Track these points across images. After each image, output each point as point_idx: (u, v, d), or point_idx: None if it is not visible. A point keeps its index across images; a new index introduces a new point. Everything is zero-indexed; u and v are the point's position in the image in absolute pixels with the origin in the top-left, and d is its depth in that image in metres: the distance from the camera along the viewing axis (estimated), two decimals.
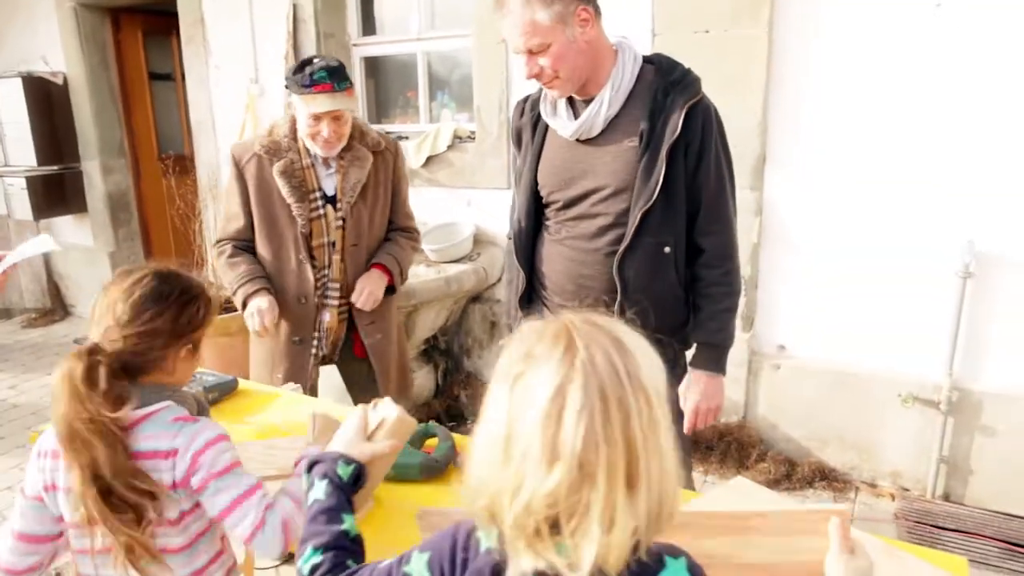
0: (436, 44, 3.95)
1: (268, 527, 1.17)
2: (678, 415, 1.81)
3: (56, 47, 5.15)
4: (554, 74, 1.63)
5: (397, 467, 1.45)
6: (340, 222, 2.25)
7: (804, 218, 2.99)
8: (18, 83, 5.03)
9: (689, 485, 1.84)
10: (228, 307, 4.25)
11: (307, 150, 2.21)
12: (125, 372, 1.18)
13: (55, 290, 5.76)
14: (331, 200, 2.24)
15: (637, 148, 1.65)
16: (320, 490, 1.04)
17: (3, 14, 5.35)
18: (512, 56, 3.46)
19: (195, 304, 1.25)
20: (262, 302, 2.19)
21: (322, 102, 2.06)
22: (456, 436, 1.63)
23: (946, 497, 2.90)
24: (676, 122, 1.61)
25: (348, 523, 1.00)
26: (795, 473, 3.04)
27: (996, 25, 2.55)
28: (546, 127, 1.79)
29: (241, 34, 4.31)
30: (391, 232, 2.43)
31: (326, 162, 2.23)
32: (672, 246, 1.68)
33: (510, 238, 1.94)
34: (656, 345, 1.77)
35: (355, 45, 4.23)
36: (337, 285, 2.30)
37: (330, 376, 2.58)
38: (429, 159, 3.80)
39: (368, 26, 4.24)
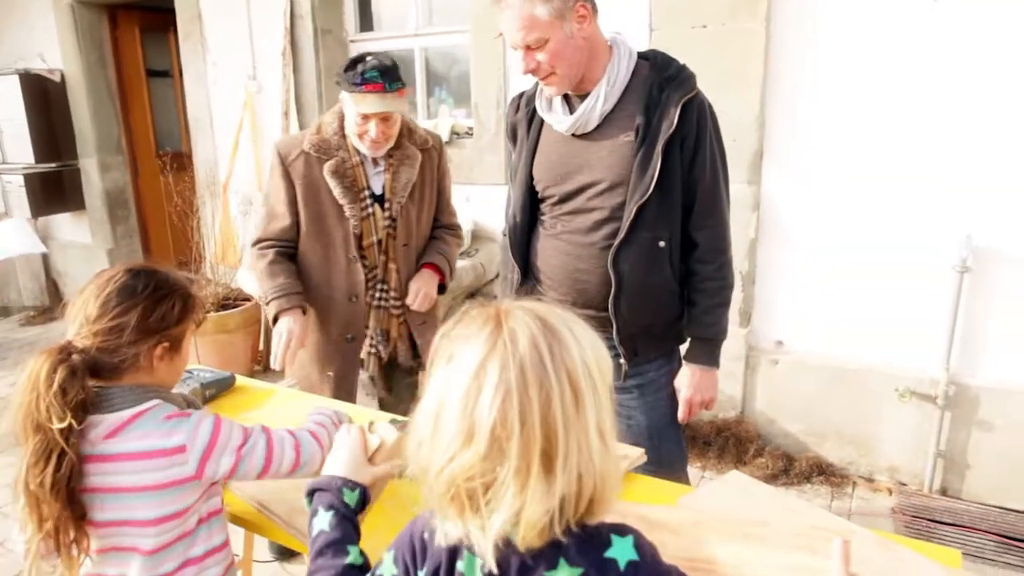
0: (434, 40, 3.95)
1: (304, 443, 1.29)
2: (675, 408, 1.82)
3: (53, 44, 5.14)
4: (551, 70, 1.63)
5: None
6: (389, 222, 2.19)
7: (802, 213, 2.99)
8: (15, 80, 5.02)
9: (684, 480, 1.85)
10: (225, 304, 4.27)
11: (356, 148, 2.14)
12: (97, 372, 1.18)
13: (53, 288, 5.76)
14: (378, 199, 2.18)
15: (633, 143, 1.65)
16: (325, 521, 1.05)
17: (0, 11, 5.34)
18: (510, 52, 3.46)
19: (169, 301, 1.24)
20: (293, 325, 2.08)
21: (372, 103, 1.99)
22: None
23: (943, 492, 2.91)
24: (672, 117, 1.61)
25: (353, 555, 1.02)
26: (793, 468, 3.04)
27: (993, 21, 2.55)
28: (541, 122, 1.80)
29: (238, 30, 4.30)
30: (436, 230, 2.38)
31: (374, 160, 2.17)
32: (667, 240, 1.69)
33: (505, 234, 1.94)
34: (652, 339, 1.77)
35: (352, 41, 4.23)
36: (390, 286, 2.25)
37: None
38: None
39: (365, 22, 4.24)
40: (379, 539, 1.06)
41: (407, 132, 2.20)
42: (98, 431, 1.17)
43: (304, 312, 2.17)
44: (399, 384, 2.46)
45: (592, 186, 1.70)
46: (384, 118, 2.04)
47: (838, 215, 2.92)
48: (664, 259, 1.70)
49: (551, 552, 0.79)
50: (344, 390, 2.24)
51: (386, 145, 2.11)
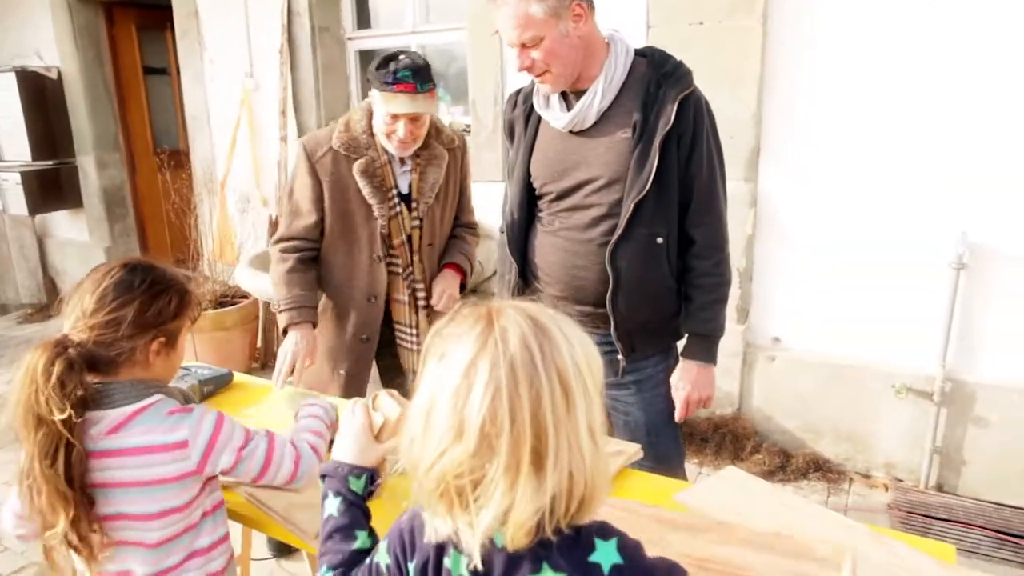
0: (431, 37, 3.95)
1: (304, 456, 1.30)
2: (672, 405, 1.82)
3: (50, 42, 5.13)
4: (546, 67, 1.64)
5: None
6: (417, 222, 2.17)
7: (799, 210, 3.00)
8: (12, 78, 5.02)
9: (681, 476, 1.85)
10: (223, 301, 4.27)
11: (383, 147, 2.11)
12: (94, 367, 1.18)
13: (51, 285, 5.75)
14: (404, 198, 2.16)
15: (630, 139, 1.66)
16: (334, 506, 1.07)
17: None
18: (507, 49, 3.45)
19: (166, 296, 1.24)
20: (300, 343, 2.05)
21: (402, 103, 1.96)
22: None
23: (939, 487, 2.92)
24: (669, 114, 1.62)
25: (361, 540, 1.03)
26: (789, 464, 3.05)
27: (990, 20, 2.55)
28: (539, 119, 1.80)
29: (235, 28, 4.30)
30: (456, 229, 2.37)
31: (401, 159, 2.14)
32: (664, 237, 1.69)
33: (503, 231, 1.94)
34: (650, 335, 1.78)
35: (349, 39, 4.22)
36: (422, 285, 2.23)
37: None
38: None
39: (363, 19, 4.24)
40: (380, 527, 1.06)
41: (434, 132, 2.18)
42: (100, 427, 1.17)
43: (315, 326, 2.13)
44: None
45: (589, 183, 1.71)
46: (413, 119, 2.01)
47: (835, 212, 2.92)
48: (662, 255, 1.71)
49: (535, 554, 0.79)
50: (354, 390, 2.23)
51: (413, 145, 2.09)
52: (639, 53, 1.73)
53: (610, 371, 1.82)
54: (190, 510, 1.24)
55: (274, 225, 4.36)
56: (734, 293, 3.05)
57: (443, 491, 0.78)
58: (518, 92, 1.89)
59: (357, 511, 1.07)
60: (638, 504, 1.31)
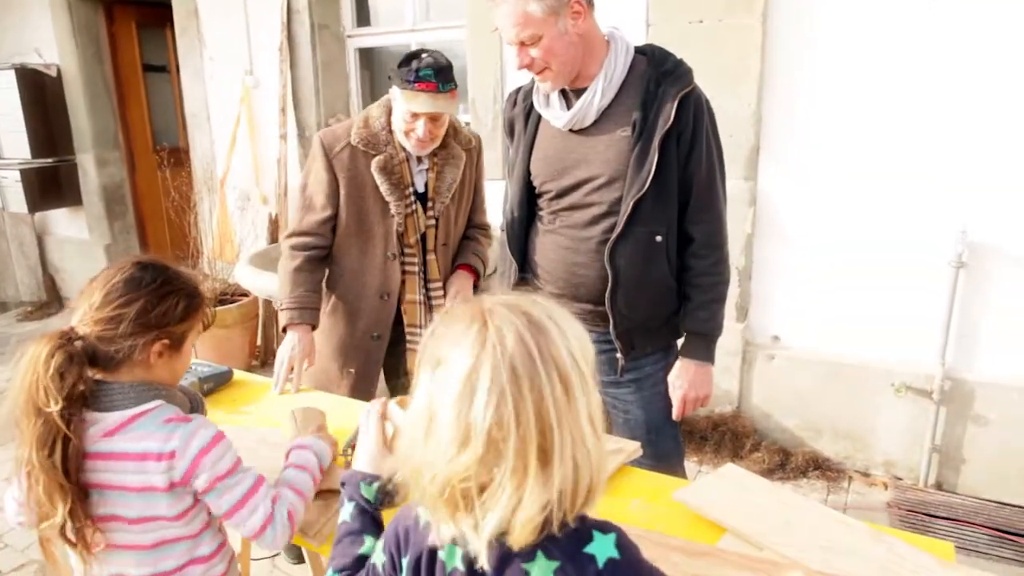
0: (431, 35, 3.94)
1: (278, 521, 1.21)
2: (670, 403, 1.82)
3: (50, 39, 5.12)
4: (545, 65, 1.63)
5: None
6: (432, 221, 2.16)
7: (798, 209, 3.00)
8: (12, 75, 5.01)
9: (681, 474, 1.85)
10: (223, 299, 4.27)
11: (401, 144, 2.09)
12: (95, 362, 1.18)
13: (51, 283, 5.75)
14: (420, 197, 2.15)
15: (630, 138, 1.65)
16: (347, 512, 1.09)
17: None
18: (506, 47, 3.45)
19: (173, 298, 1.22)
20: (297, 348, 2.02)
21: (423, 102, 1.94)
22: None
23: (938, 486, 2.92)
24: (668, 112, 1.62)
25: (367, 545, 1.04)
26: (789, 463, 3.06)
27: (990, 19, 2.55)
28: (539, 118, 1.80)
29: (235, 26, 4.30)
30: (469, 229, 2.35)
31: (418, 157, 2.13)
32: (664, 235, 1.69)
33: (503, 230, 1.94)
34: (649, 333, 1.78)
35: (349, 36, 4.22)
36: (435, 285, 2.22)
37: None
38: None
39: (362, 17, 4.24)
40: None
41: (452, 132, 2.16)
42: (97, 428, 1.17)
43: (314, 328, 2.11)
44: None
45: (589, 181, 1.71)
46: (433, 118, 2.00)
47: (835, 211, 2.92)
48: (661, 254, 1.71)
49: (531, 543, 0.79)
50: (363, 389, 2.20)
51: (431, 145, 2.07)
52: (639, 51, 1.73)
53: (609, 369, 1.82)
54: (186, 520, 1.22)
55: (274, 223, 4.36)
56: (733, 291, 3.05)
57: (448, 496, 0.78)
58: (518, 90, 1.89)
59: (368, 517, 1.08)
60: (642, 530, 1.31)
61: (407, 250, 2.15)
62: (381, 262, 2.14)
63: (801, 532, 1.29)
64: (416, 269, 2.17)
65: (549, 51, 1.61)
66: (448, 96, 1.98)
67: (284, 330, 2.08)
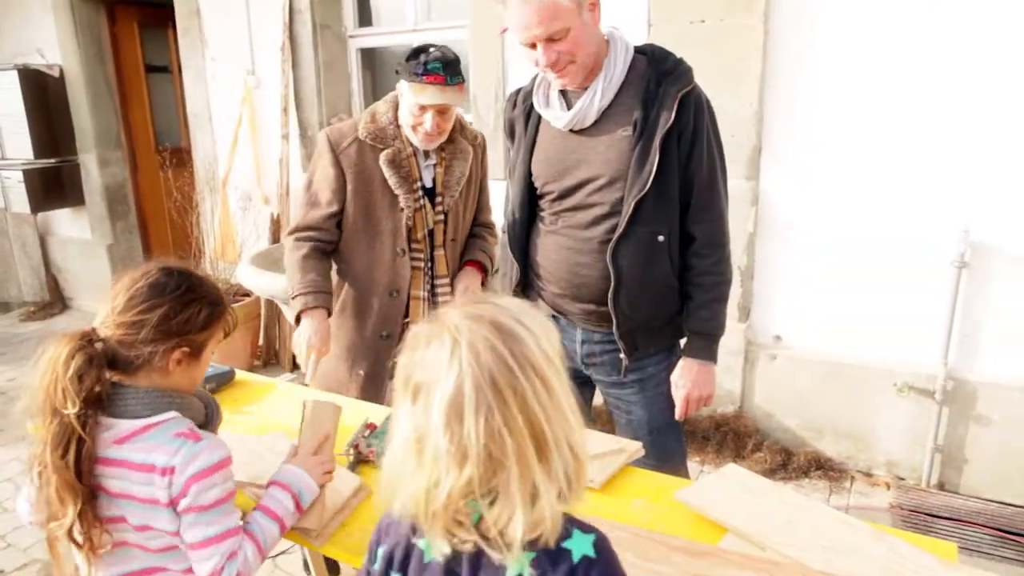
0: (432, 35, 3.94)
1: (224, 572, 1.17)
2: (672, 403, 1.82)
3: (52, 40, 5.13)
4: (570, 59, 1.61)
5: None
6: (442, 216, 2.15)
7: (800, 209, 3.00)
8: (14, 76, 5.01)
9: (684, 474, 1.85)
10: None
11: (408, 139, 2.09)
12: (114, 364, 1.18)
13: (53, 283, 5.76)
14: (428, 192, 2.13)
15: (631, 137, 1.65)
16: None
17: None
18: (508, 47, 3.46)
19: (196, 306, 1.22)
20: (316, 332, 1.99)
21: (431, 94, 1.95)
22: None
23: (941, 486, 2.91)
24: (669, 111, 1.61)
25: None
26: (791, 463, 3.05)
27: (990, 19, 2.55)
28: (539, 118, 1.79)
29: (237, 26, 4.30)
30: (475, 227, 2.34)
31: (425, 152, 2.12)
32: (666, 235, 1.69)
33: (504, 231, 1.94)
34: (652, 333, 1.77)
35: (351, 36, 4.22)
36: (444, 281, 2.20)
37: None
38: None
39: (364, 17, 4.24)
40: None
41: (459, 127, 2.17)
42: (110, 434, 1.17)
43: (329, 314, 2.07)
44: None
45: (591, 181, 1.70)
46: (441, 111, 2.00)
47: (837, 211, 2.92)
48: (663, 254, 1.71)
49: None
50: (372, 391, 2.17)
51: (439, 139, 2.07)
52: (638, 51, 1.73)
53: (612, 370, 1.82)
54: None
55: (276, 223, 4.36)
56: (735, 291, 3.05)
57: (450, 514, 0.80)
58: (518, 91, 1.88)
59: None
60: (644, 530, 1.31)
61: (414, 246, 2.13)
62: (390, 258, 2.12)
63: (803, 532, 1.28)
64: (422, 265, 2.16)
65: (576, 43, 1.59)
66: (456, 89, 1.98)
67: (298, 319, 2.03)
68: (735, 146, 2.87)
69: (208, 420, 1.31)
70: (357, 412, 1.78)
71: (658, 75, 1.66)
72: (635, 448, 1.60)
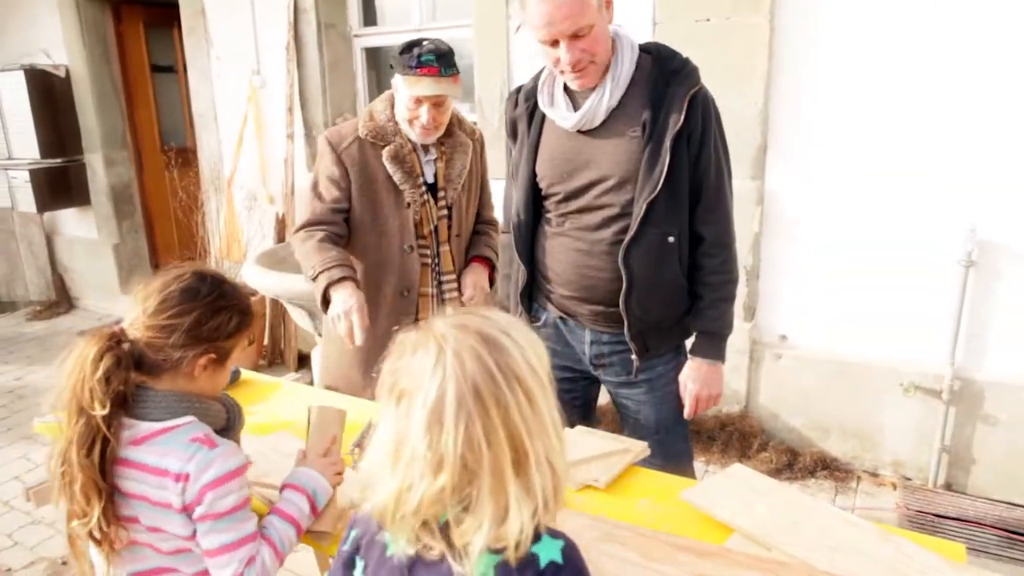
0: (437, 34, 3.92)
1: None
2: (682, 402, 1.81)
3: (58, 40, 5.15)
4: (591, 58, 1.59)
5: None
6: (446, 211, 2.13)
7: (806, 208, 2.99)
8: (21, 76, 5.03)
9: (690, 474, 1.85)
10: None
11: (407, 135, 2.07)
12: (140, 367, 1.18)
13: (60, 283, 5.78)
14: (430, 187, 2.12)
15: (639, 138, 1.63)
16: None
17: (5, 7, 5.36)
18: (513, 47, 3.45)
19: (227, 313, 1.22)
20: (351, 299, 1.89)
21: (426, 85, 1.94)
22: None
23: (948, 486, 2.90)
24: (679, 112, 1.60)
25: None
26: (797, 463, 3.04)
27: (996, 17, 2.53)
28: (542, 118, 1.77)
29: (242, 25, 4.31)
30: (479, 224, 2.32)
31: (425, 148, 2.11)
32: (676, 236, 1.68)
33: (505, 232, 1.93)
34: (662, 333, 1.76)
35: (356, 36, 4.22)
36: (450, 277, 2.18)
37: None
38: None
39: (369, 16, 4.24)
40: None
41: (456, 121, 2.16)
42: (128, 434, 1.17)
43: (358, 286, 1.98)
44: None
45: (600, 183, 1.68)
46: (436, 104, 1.99)
47: (843, 210, 2.91)
48: (673, 254, 1.69)
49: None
50: None
51: (436, 132, 2.06)
52: (642, 49, 1.71)
53: (622, 370, 1.81)
54: (197, 541, 1.21)
55: (281, 223, 4.37)
56: (741, 291, 3.02)
57: (420, 520, 0.80)
58: (518, 90, 1.85)
59: None
60: (650, 530, 1.30)
61: (421, 242, 2.13)
62: (398, 256, 2.10)
63: (809, 532, 1.28)
64: (429, 262, 2.15)
65: (596, 41, 1.57)
66: (451, 80, 1.97)
67: (325, 300, 1.94)
68: (740, 145, 2.86)
69: (230, 424, 1.31)
70: (362, 412, 1.79)
71: (665, 74, 1.64)
72: (640, 448, 1.59)
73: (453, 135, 2.14)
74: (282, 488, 1.32)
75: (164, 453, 1.16)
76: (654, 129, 1.62)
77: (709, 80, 1.69)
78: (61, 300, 5.76)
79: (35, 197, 5.18)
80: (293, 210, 4.24)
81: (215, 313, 1.20)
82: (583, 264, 1.74)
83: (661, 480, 1.52)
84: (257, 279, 3.32)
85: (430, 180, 2.12)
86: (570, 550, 0.84)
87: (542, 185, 1.79)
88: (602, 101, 1.64)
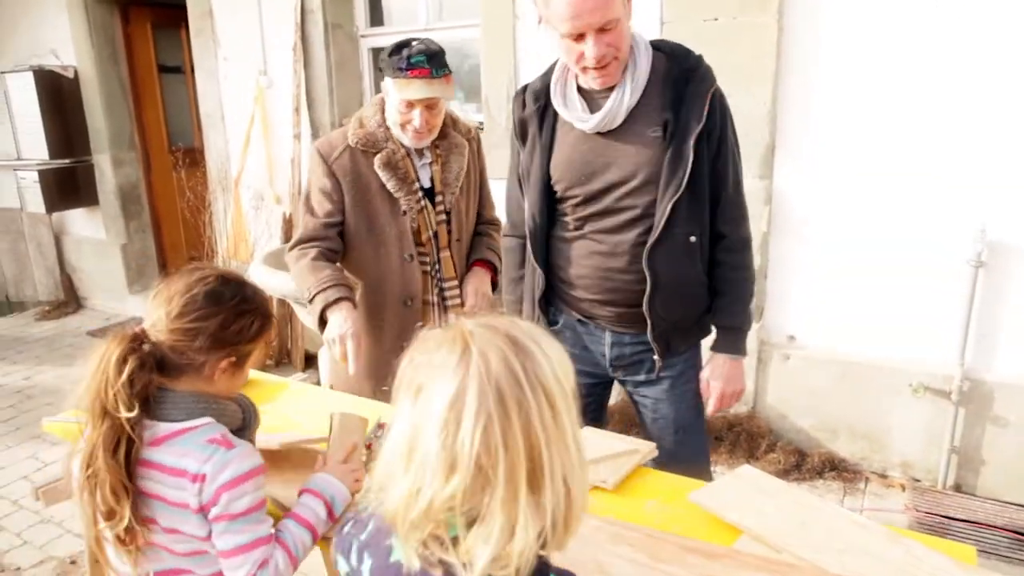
0: (444, 34, 3.94)
1: None
2: (700, 400, 1.81)
3: (66, 41, 5.17)
4: (615, 55, 1.56)
5: None
6: (444, 216, 2.08)
7: (814, 208, 2.97)
8: (29, 77, 5.06)
9: (707, 475, 1.83)
10: None
11: (400, 140, 2.01)
12: (161, 368, 1.18)
13: (68, 283, 5.81)
14: (427, 192, 2.06)
15: (660, 138, 1.60)
16: None
17: (14, 8, 5.39)
18: (520, 46, 3.45)
19: (250, 317, 1.22)
20: (346, 323, 1.86)
21: (418, 88, 1.87)
22: None
23: (957, 488, 2.88)
24: (701, 111, 1.58)
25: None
26: (805, 464, 3.03)
27: (1004, 15, 2.52)
28: (554, 119, 1.72)
29: (249, 26, 4.32)
30: (480, 225, 2.26)
31: (419, 152, 2.04)
32: (698, 236, 1.66)
33: (508, 234, 1.90)
34: (683, 332, 1.74)
35: (363, 36, 4.23)
36: (452, 283, 2.13)
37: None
38: None
39: (376, 16, 4.24)
40: None
41: (451, 122, 2.10)
42: (148, 434, 1.17)
43: (355, 306, 1.96)
44: None
45: (621, 184, 1.64)
46: (429, 106, 1.93)
47: (851, 210, 2.89)
48: (696, 254, 1.68)
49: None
50: None
51: (429, 136, 2.00)
52: (653, 46, 1.69)
53: (642, 369, 1.80)
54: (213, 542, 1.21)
55: (288, 223, 4.38)
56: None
57: (428, 527, 0.76)
58: (524, 89, 1.78)
59: None
60: (658, 531, 1.30)
61: (420, 250, 2.08)
62: (398, 265, 2.05)
63: (817, 533, 1.27)
64: (429, 269, 2.10)
65: (621, 36, 1.54)
66: (443, 81, 1.91)
67: (322, 320, 1.92)
68: (749, 144, 2.84)
69: (246, 424, 1.31)
70: (371, 412, 1.78)
71: (684, 73, 1.62)
72: (649, 449, 1.59)
73: (448, 137, 2.08)
74: (300, 493, 1.32)
75: (183, 454, 1.16)
76: (676, 130, 1.59)
77: (717, 80, 1.68)
78: (69, 300, 5.79)
79: (44, 197, 5.21)
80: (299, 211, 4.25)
81: (238, 317, 1.21)
82: (605, 267, 1.71)
83: (669, 481, 1.52)
84: (264, 279, 3.33)
85: (426, 185, 2.07)
86: None
87: (557, 188, 1.73)
88: (622, 101, 1.60)
